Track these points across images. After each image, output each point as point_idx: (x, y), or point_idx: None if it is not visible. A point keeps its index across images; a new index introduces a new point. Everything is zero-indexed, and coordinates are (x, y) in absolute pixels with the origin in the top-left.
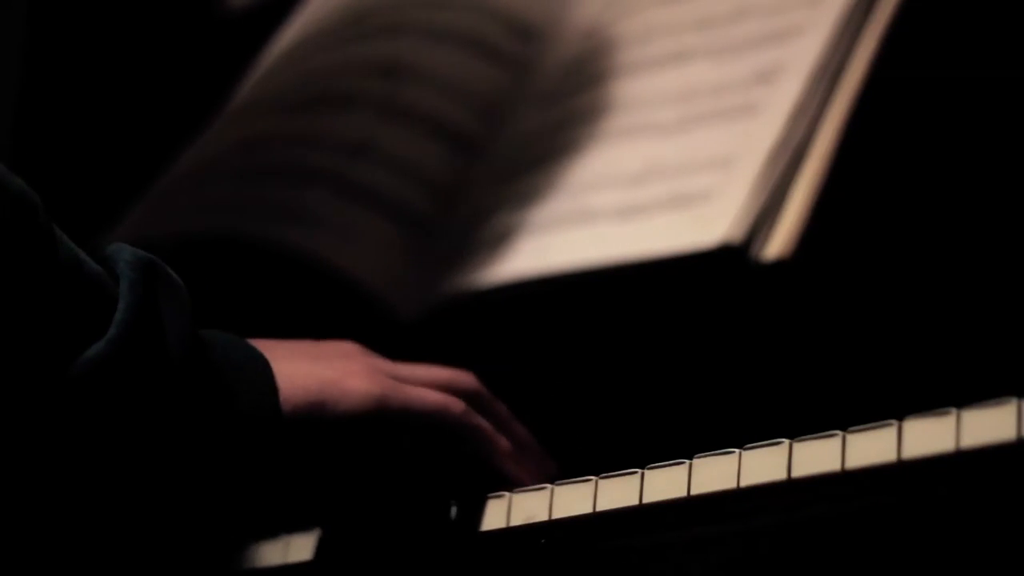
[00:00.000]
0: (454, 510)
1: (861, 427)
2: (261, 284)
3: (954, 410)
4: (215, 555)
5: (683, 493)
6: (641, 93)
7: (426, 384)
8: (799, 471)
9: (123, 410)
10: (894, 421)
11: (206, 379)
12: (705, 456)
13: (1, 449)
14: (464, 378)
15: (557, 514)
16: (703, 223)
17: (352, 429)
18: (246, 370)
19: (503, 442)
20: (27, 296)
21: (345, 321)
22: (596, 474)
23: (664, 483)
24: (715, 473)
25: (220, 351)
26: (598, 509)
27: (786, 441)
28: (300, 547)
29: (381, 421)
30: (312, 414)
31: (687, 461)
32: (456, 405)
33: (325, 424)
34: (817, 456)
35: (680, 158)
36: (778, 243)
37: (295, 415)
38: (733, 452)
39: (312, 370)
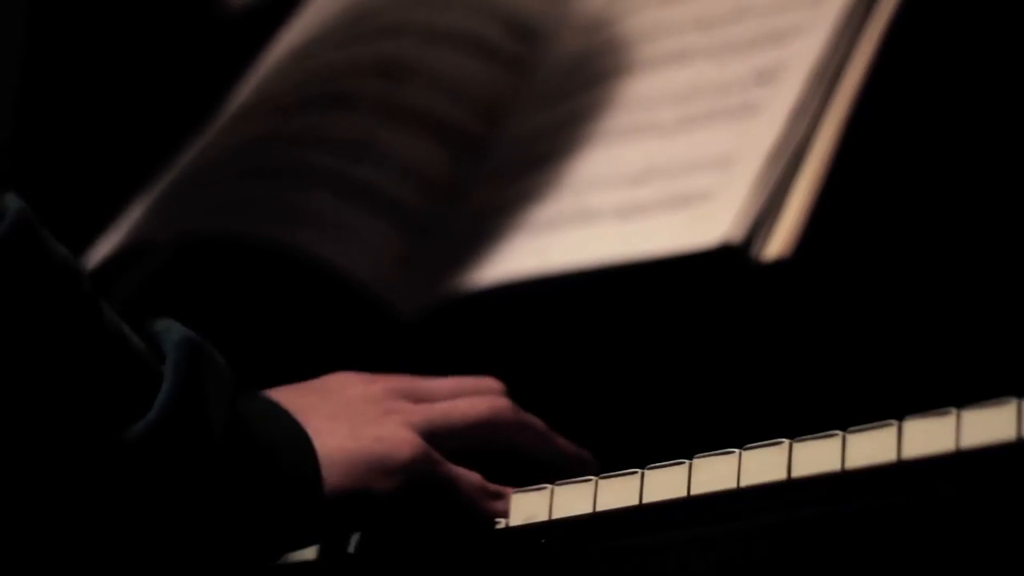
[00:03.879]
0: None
1: (861, 427)
2: (262, 284)
3: (954, 410)
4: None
5: (683, 493)
6: (641, 93)
7: (470, 422)
8: (799, 471)
9: (158, 490)
10: (894, 421)
11: (246, 466)
12: (705, 456)
13: (37, 516)
14: (505, 410)
15: (557, 514)
16: (703, 223)
17: (392, 505)
18: (286, 452)
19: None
20: (70, 366)
21: (346, 321)
22: (596, 474)
23: (664, 483)
24: (715, 473)
25: (261, 428)
26: (598, 509)
27: (786, 441)
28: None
29: (421, 491)
30: (355, 498)
31: (687, 461)
32: (485, 496)
33: (365, 504)
34: (817, 456)
35: (680, 158)
36: (778, 243)
37: (335, 497)
38: (733, 452)
39: (356, 449)
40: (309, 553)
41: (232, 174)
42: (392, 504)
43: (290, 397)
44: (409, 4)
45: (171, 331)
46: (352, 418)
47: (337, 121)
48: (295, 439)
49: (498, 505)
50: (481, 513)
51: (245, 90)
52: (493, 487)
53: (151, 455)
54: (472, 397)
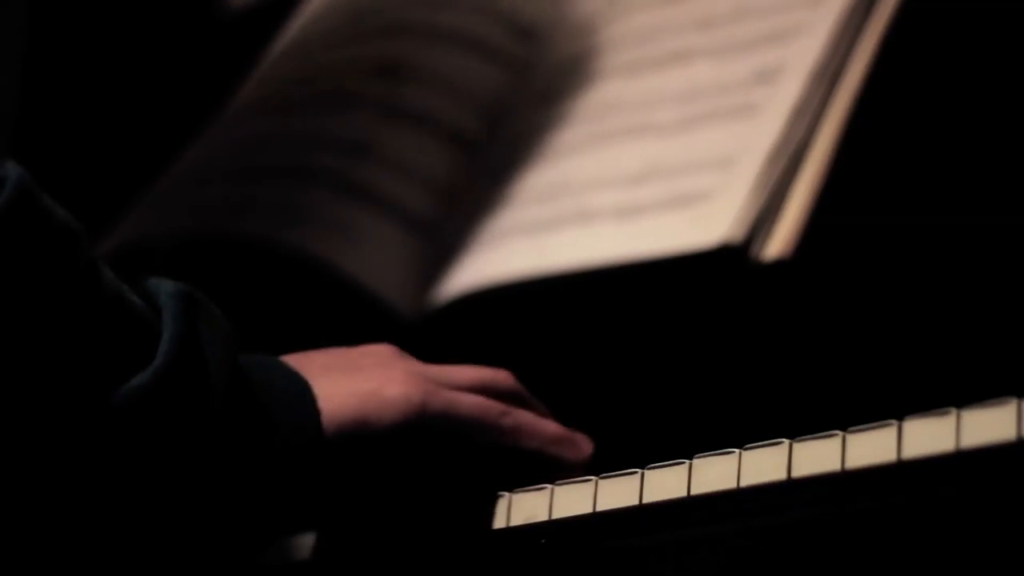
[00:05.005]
0: (454, 509)
1: (861, 427)
2: (262, 284)
3: (954, 410)
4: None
5: (683, 493)
6: (641, 93)
7: (464, 386)
8: (799, 471)
9: (166, 438)
10: (894, 421)
11: (248, 406)
12: (705, 456)
13: (46, 474)
14: (501, 378)
15: (557, 514)
16: (703, 223)
17: (393, 439)
18: (287, 394)
19: (549, 428)
20: (72, 325)
21: (345, 321)
22: (596, 474)
23: (664, 483)
24: (715, 473)
25: (260, 376)
26: (598, 509)
27: (786, 441)
28: (299, 547)
29: (422, 427)
30: (355, 431)
31: (687, 461)
32: (494, 409)
33: (368, 438)
34: (817, 456)
35: (680, 158)
36: (778, 243)
37: (338, 434)
38: (733, 452)
39: (350, 385)
40: (305, 552)
41: (232, 173)
42: (394, 435)
43: (292, 356)
44: (409, 4)
45: (162, 284)
46: (346, 366)
47: (338, 121)
48: (292, 382)
49: (506, 420)
50: (489, 432)
51: (246, 90)
52: (498, 404)
53: (155, 402)
54: (474, 370)
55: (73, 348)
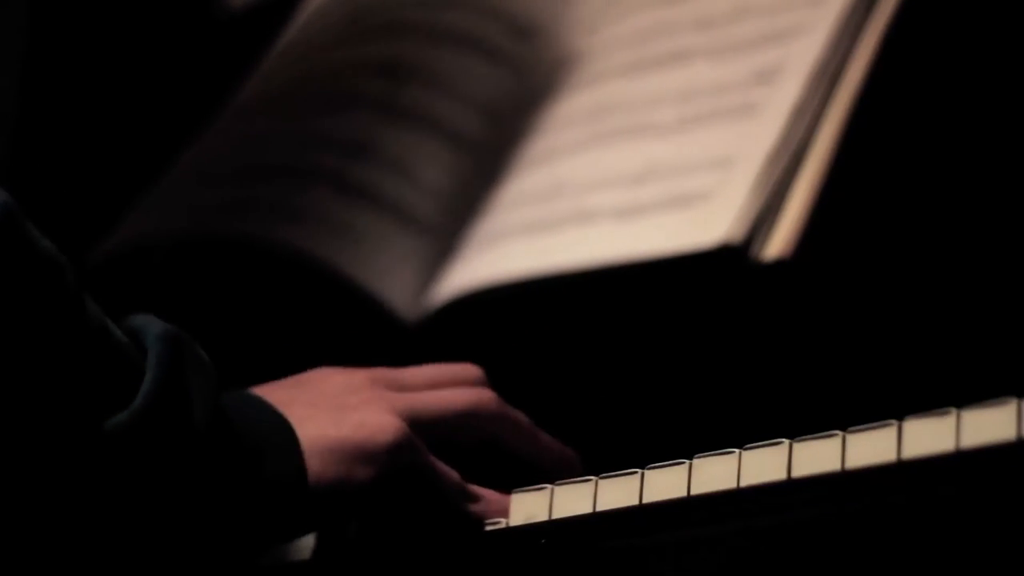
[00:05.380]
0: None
1: (861, 427)
2: (261, 285)
3: (954, 410)
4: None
5: (683, 493)
6: (641, 93)
7: (449, 416)
8: (799, 471)
9: (143, 481)
10: (894, 421)
11: (229, 457)
12: (705, 456)
13: (23, 509)
14: (483, 405)
15: (557, 514)
16: (703, 223)
17: (374, 493)
18: (270, 443)
19: (533, 426)
20: (52, 360)
21: (345, 322)
22: (596, 474)
23: (664, 483)
24: (715, 473)
25: (244, 420)
26: (598, 509)
27: (786, 441)
28: (299, 547)
29: (404, 478)
30: (334, 485)
31: (687, 461)
32: (465, 506)
33: (351, 488)
34: (817, 456)
35: (680, 158)
36: (778, 243)
37: (316, 486)
38: (733, 452)
39: (336, 434)
40: (304, 553)
41: (231, 173)
42: (374, 491)
43: (270, 391)
44: (409, 4)
45: (151, 325)
46: (333, 406)
47: (338, 121)
48: (278, 429)
49: (477, 507)
50: (462, 509)
51: (246, 90)
52: (471, 488)
53: (135, 444)
54: (457, 388)
55: (54, 381)
